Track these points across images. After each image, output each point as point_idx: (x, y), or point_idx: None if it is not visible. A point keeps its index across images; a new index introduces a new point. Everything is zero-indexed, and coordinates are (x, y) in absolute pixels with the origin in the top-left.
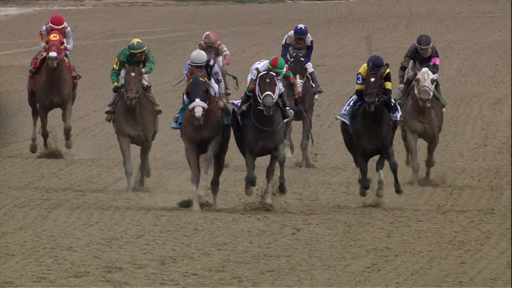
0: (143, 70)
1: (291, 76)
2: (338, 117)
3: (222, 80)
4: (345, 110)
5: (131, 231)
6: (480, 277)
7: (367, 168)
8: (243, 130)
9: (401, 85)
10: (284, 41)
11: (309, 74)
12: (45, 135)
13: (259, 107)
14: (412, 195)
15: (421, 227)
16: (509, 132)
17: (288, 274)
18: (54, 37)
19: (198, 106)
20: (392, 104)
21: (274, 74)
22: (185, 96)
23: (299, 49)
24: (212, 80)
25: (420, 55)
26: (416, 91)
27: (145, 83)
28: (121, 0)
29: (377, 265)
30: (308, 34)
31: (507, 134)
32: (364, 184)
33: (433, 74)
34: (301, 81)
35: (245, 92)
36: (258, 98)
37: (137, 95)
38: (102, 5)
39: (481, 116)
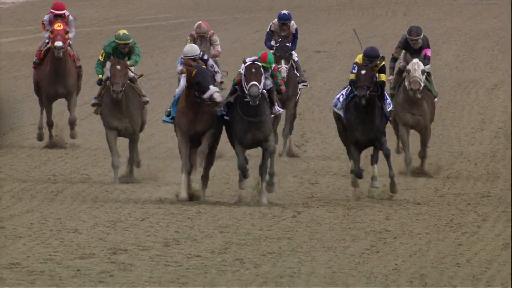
0: (128, 62)
1: (279, 76)
2: (334, 108)
3: (219, 72)
4: (338, 100)
5: (135, 213)
6: (476, 258)
7: (360, 158)
8: (231, 122)
9: (391, 77)
10: (269, 28)
11: (294, 62)
12: (50, 124)
13: (245, 99)
14: (410, 179)
15: (419, 210)
16: (506, 117)
17: (289, 256)
18: (58, 26)
19: (216, 92)
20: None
21: (260, 64)
22: (177, 90)
23: (284, 36)
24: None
25: (411, 46)
26: (406, 82)
27: (131, 74)
28: None
29: (376, 247)
30: (293, 22)
31: (503, 119)
32: (357, 173)
33: (424, 65)
34: (286, 66)
35: (232, 85)
36: (244, 88)
37: (123, 88)
38: None
39: (478, 101)
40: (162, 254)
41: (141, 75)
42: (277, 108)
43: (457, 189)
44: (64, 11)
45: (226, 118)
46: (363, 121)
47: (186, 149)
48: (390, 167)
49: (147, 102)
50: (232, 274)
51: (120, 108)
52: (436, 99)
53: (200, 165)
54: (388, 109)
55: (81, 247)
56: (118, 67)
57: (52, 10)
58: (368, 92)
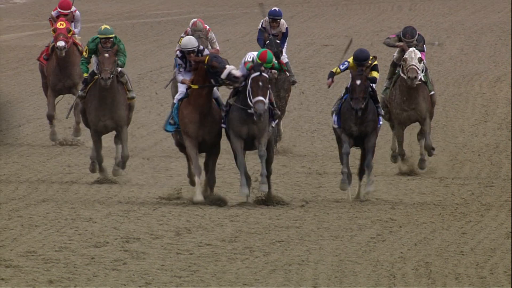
0: (118, 62)
1: (282, 67)
2: (333, 126)
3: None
4: (334, 113)
5: (148, 203)
6: (480, 246)
7: (350, 149)
8: (229, 115)
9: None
10: (260, 25)
11: (284, 64)
12: (50, 116)
13: (249, 111)
14: (416, 169)
15: (424, 199)
16: (508, 109)
17: (297, 244)
18: (61, 25)
19: (233, 69)
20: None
21: (267, 76)
22: (177, 96)
23: (274, 35)
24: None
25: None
26: (402, 73)
27: (118, 69)
28: None
29: (382, 235)
30: (283, 20)
31: (506, 111)
32: (346, 175)
33: (420, 61)
34: (275, 61)
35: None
36: (249, 101)
37: (111, 76)
38: None
39: (481, 93)
40: (173, 243)
41: None
42: (277, 111)
43: (461, 179)
44: (70, 11)
45: (223, 110)
46: (356, 122)
47: (196, 154)
48: (369, 174)
49: (133, 97)
50: (242, 262)
51: (105, 102)
52: (432, 92)
53: (210, 189)
54: (382, 112)
55: (95, 235)
56: (107, 55)
57: (59, 9)
58: (364, 104)
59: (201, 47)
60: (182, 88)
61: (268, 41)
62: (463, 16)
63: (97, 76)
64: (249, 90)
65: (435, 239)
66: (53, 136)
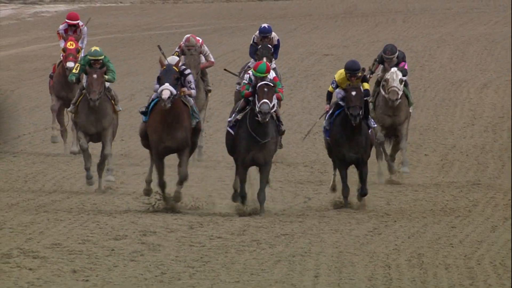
0: (106, 76)
1: (278, 85)
2: (326, 138)
3: (194, 89)
4: (324, 128)
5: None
6: (468, 239)
7: (347, 175)
8: (236, 139)
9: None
10: (252, 40)
11: (273, 70)
12: (58, 128)
13: (255, 117)
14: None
15: (416, 196)
16: (494, 113)
17: (300, 237)
18: (70, 45)
19: (166, 89)
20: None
21: (272, 84)
22: (153, 96)
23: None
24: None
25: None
26: (383, 92)
27: (106, 84)
28: None
29: (378, 229)
30: (274, 34)
31: (491, 114)
32: (344, 193)
33: (403, 75)
34: (268, 63)
35: (243, 99)
36: (256, 106)
37: (99, 96)
38: (138, 2)
39: (469, 99)
40: (187, 236)
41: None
42: (282, 126)
43: (451, 177)
44: (78, 21)
45: (231, 131)
46: (350, 137)
47: (161, 166)
48: (364, 186)
49: (119, 111)
50: (249, 253)
51: (94, 115)
52: (411, 109)
53: (179, 186)
54: (373, 123)
55: (115, 229)
56: (95, 76)
57: (67, 20)
58: (361, 112)
59: (187, 72)
60: (156, 94)
61: (260, 46)
62: (452, 28)
63: (85, 91)
64: (256, 97)
65: (426, 232)
66: (54, 139)
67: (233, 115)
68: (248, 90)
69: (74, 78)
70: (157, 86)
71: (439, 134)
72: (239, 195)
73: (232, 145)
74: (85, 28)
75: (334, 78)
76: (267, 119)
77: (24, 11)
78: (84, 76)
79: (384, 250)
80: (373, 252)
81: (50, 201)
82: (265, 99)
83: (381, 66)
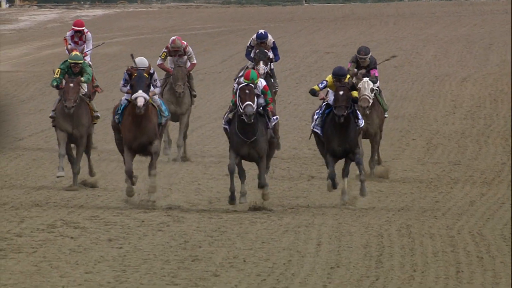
0: (82, 79)
1: (269, 95)
2: (314, 129)
3: (159, 87)
4: (316, 121)
5: (186, 178)
6: (450, 212)
7: (334, 166)
8: (229, 136)
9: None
10: (248, 43)
11: (270, 70)
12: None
13: (241, 117)
14: (397, 152)
15: (405, 175)
16: (472, 103)
17: (305, 210)
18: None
19: (141, 96)
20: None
21: (252, 85)
22: (123, 98)
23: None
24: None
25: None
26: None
27: (83, 91)
28: (179, 3)
29: (372, 203)
30: (269, 37)
31: (470, 104)
32: (333, 183)
33: (374, 83)
34: (264, 67)
35: (230, 105)
36: (240, 108)
37: (74, 104)
38: (165, 7)
39: (451, 91)
40: (207, 209)
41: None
42: (273, 119)
43: (435, 159)
44: (83, 28)
45: (225, 127)
46: (339, 134)
47: (131, 160)
48: (360, 171)
49: (98, 117)
50: (261, 224)
51: (72, 118)
52: (386, 114)
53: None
54: (361, 125)
55: (145, 203)
56: (71, 84)
57: (73, 27)
58: (346, 112)
59: (152, 70)
60: (126, 97)
61: (258, 50)
62: (436, 29)
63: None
64: (238, 99)
65: (414, 206)
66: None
67: (226, 114)
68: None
69: (55, 84)
70: (124, 88)
71: (425, 121)
72: (229, 190)
73: (229, 138)
74: (90, 34)
75: (325, 79)
76: (252, 120)
77: (66, 15)
78: (64, 83)
79: (378, 222)
80: (368, 223)
81: (89, 178)
82: (248, 101)
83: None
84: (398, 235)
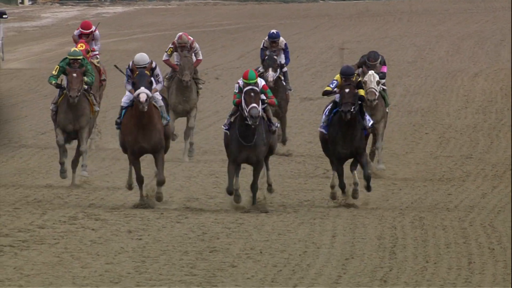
0: (85, 78)
1: (269, 93)
2: (320, 129)
3: (161, 82)
4: (322, 122)
5: (204, 171)
6: (462, 204)
7: (343, 171)
8: (228, 140)
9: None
10: (262, 45)
11: (283, 73)
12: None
13: (245, 121)
14: (411, 145)
15: (419, 168)
16: (484, 97)
17: (320, 203)
18: (81, 47)
19: (143, 92)
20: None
21: (257, 89)
22: (123, 99)
23: (274, 51)
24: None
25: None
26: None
27: (85, 86)
28: (197, 1)
29: (385, 196)
30: (281, 38)
31: (482, 99)
32: (342, 186)
33: (380, 78)
34: (274, 73)
35: (233, 105)
36: (245, 111)
37: (79, 94)
38: (184, 4)
39: (463, 86)
40: (224, 202)
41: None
42: (275, 125)
43: (447, 152)
44: (91, 30)
45: (226, 131)
46: (345, 135)
47: (137, 166)
48: (366, 171)
49: (97, 111)
50: (277, 216)
51: (73, 113)
52: (387, 109)
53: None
54: (369, 124)
55: (164, 196)
56: (75, 74)
57: (81, 30)
58: (352, 108)
59: (154, 65)
60: (129, 96)
61: (267, 57)
62: (449, 26)
63: (65, 91)
64: (243, 102)
65: (427, 198)
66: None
67: (228, 118)
68: (238, 98)
69: (53, 81)
70: (129, 86)
71: (437, 115)
72: (228, 191)
73: (227, 144)
74: (97, 32)
75: (334, 79)
76: (257, 123)
77: (88, 12)
78: (64, 78)
79: (391, 214)
80: (381, 216)
81: (109, 172)
82: (253, 103)
83: (359, 69)
84: (411, 227)
